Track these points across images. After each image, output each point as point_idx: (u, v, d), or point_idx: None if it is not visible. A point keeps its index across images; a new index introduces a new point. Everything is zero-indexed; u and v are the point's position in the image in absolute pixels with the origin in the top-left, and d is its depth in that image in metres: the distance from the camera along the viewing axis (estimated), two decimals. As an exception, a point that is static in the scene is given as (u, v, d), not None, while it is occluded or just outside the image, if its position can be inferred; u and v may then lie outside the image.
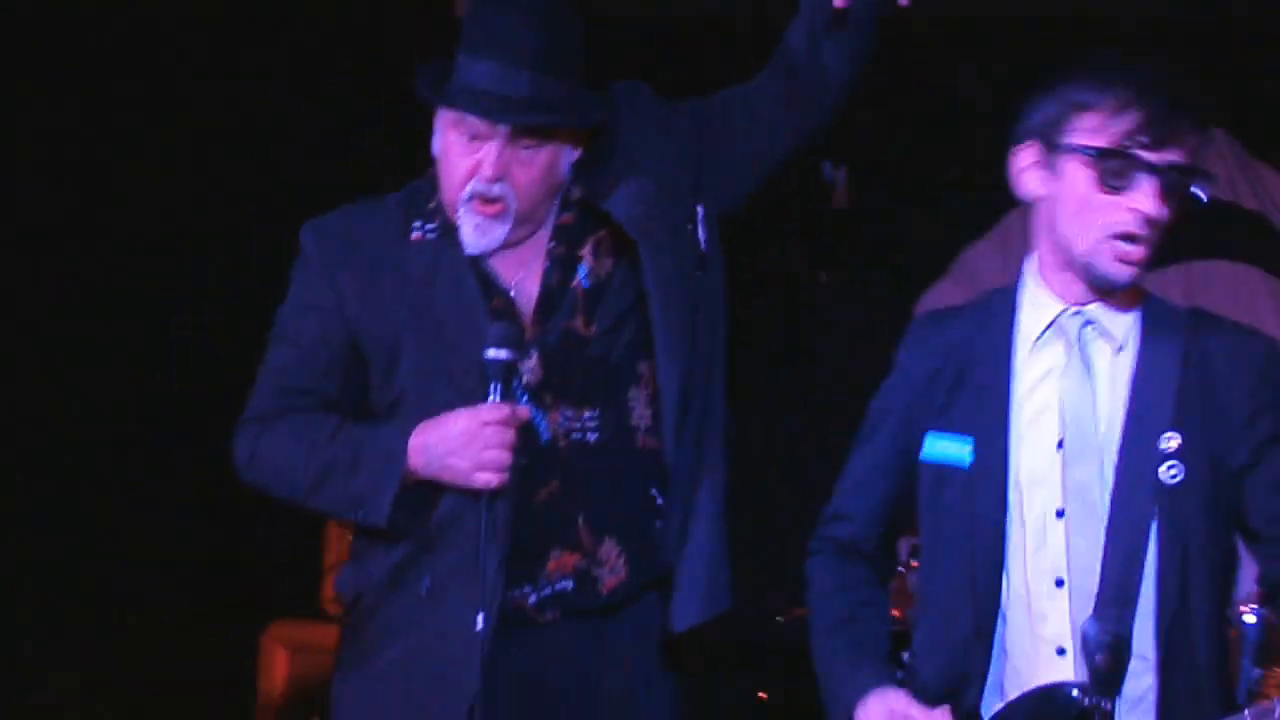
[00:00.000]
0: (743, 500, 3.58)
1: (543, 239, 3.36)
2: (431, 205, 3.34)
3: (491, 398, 3.20)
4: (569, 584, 3.32)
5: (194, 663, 5.48)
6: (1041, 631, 2.83)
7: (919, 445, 2.97)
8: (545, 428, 3.30)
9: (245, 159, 5.77)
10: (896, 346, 3.39)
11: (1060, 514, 2.84)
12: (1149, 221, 2.76)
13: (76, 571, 5.36)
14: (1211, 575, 2.84)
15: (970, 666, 2.88)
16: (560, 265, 3.37)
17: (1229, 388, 2.85)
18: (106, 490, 5.46)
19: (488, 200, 3.25)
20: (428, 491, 3.29)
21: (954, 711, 2.86)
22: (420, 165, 3.57)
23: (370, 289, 3.34)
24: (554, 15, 3.31)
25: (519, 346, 3.28)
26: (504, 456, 3.18)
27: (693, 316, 3.43)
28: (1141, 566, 2.80)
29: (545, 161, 3.29)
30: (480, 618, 3.18)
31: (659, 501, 3.40)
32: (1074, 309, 2.87)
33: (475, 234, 3.27)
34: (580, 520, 3.31)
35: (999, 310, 2.96)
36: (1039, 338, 2.88)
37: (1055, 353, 2.88)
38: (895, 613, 4.63)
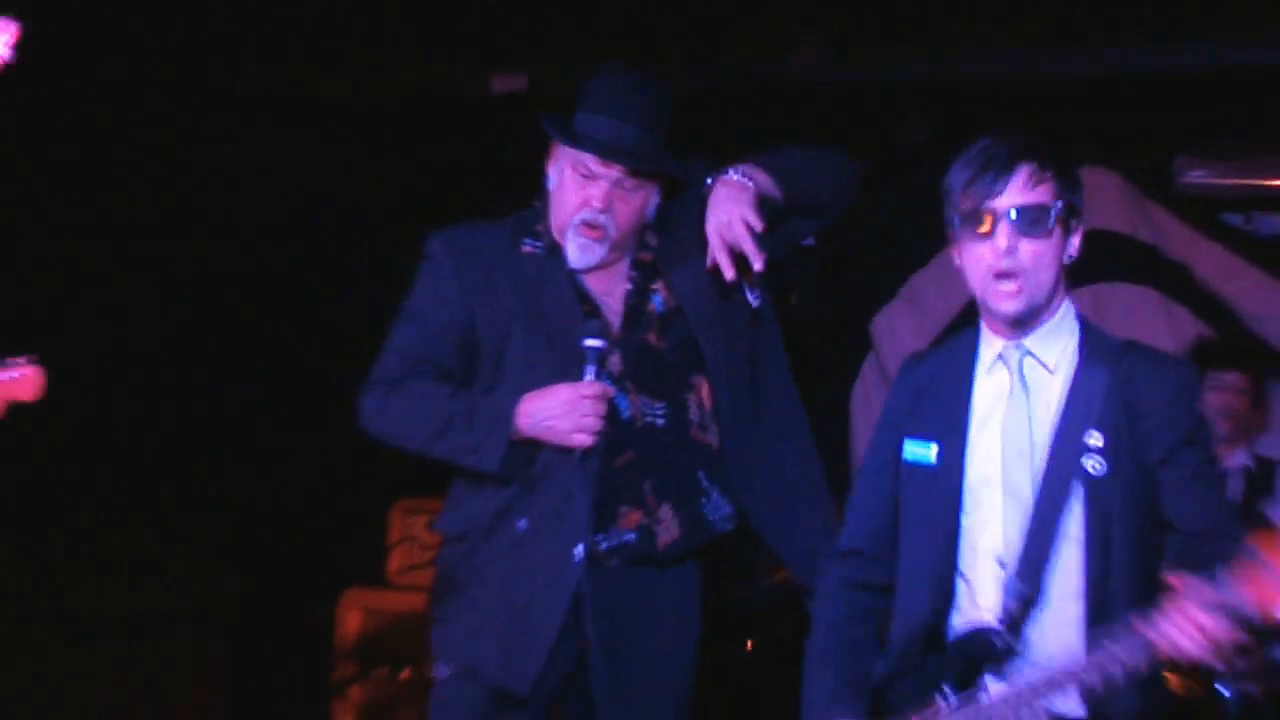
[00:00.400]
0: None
1: (624, 267, 3.62)
2: (539, 228, 3.61)
3: (587, 376, 3.48)
4: (633, 536, 3.55)
5: (289, 622, 5.99)
6: (982, 603, 2.94)
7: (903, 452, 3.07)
8: (626, 408, 3.54)
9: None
10: (853, 352, 3.80)
11: (1001, 508, 2.93)
12: (1008, 253, 2.88)
13: (216, 541, 5.94)
14: (1133, 550, 2.91)
15: (931, 634, 2.99)
16: (639, 291, 3.61)
17: (1150, 402, 2.91)
18: (241, 479, 5.96)
19: (593, 226, 3.54)
20: (529, 448, 3.53)
21: (914, 659, 2.96)
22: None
23: (488, 287, 3.60)
24: (654, 86, 3.60)
25: (609, 339, 3.52)
26: (597, 423, 3.45)
27: (743, 363, 3.67)
28: (1055, 541, 2.88)
29: (639, 202, 3.56)
30: (579, 549, 3.45)
31: (704, 484, 3.59)
32: (1015, 343, 2.98)
33: (579, 252, 3.57)
34: (646, 486, 3.55)
35: (965, 344, 3.06)
36: (990, 366, 3.00)
37: (1002, 378, 2.98)
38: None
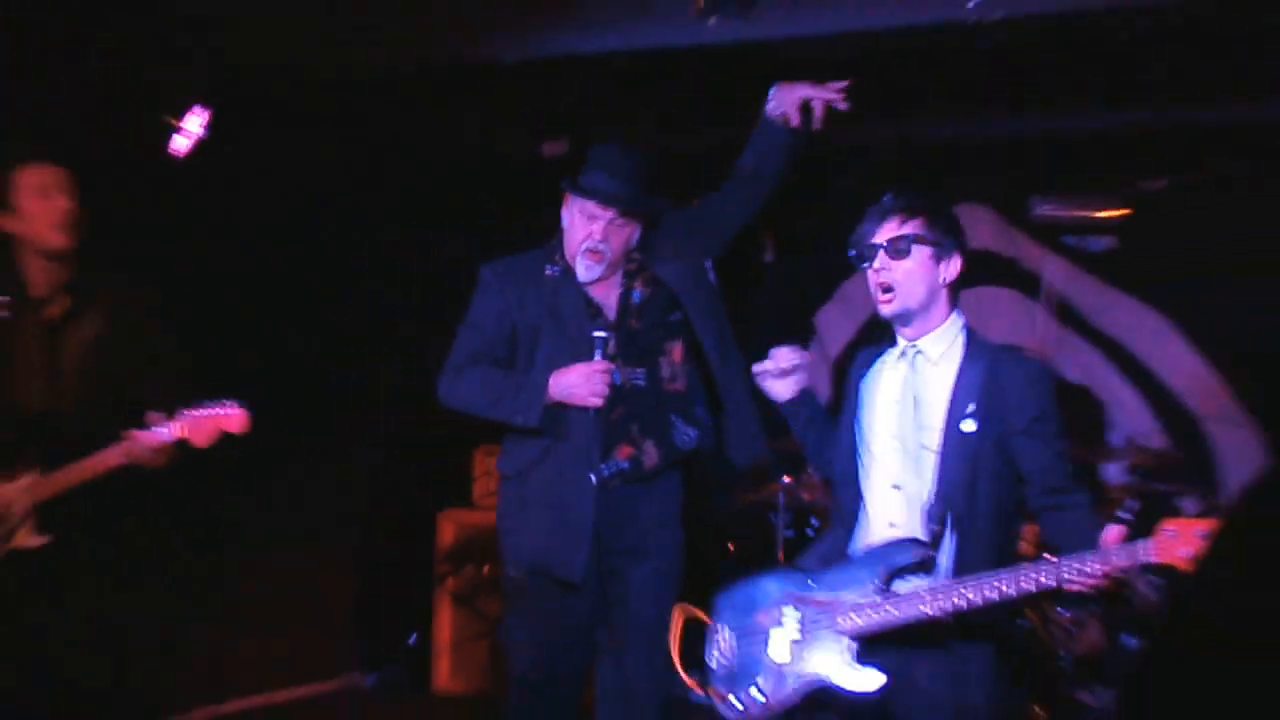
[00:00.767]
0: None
1: (617, 278, 3.96)
2: (558, 256, 3.94)
3: (596, 357, 3.84)
4: (626, 464, 3.92)
5: (404, 533, 6.50)
6: (881, 513, 3.27)
7: None
8: (618, 377, 3.88)
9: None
10: (803, 339, 4.41)
11: (896, 451, 3.27)
12: (878, 273, 3.20)
13: (332, 479, 6.06)
14: (993, 488, 3.15)
15: (848, 533, 3.32)
16: (626, 292, 3.94)
17: (1011, 387, 3.17)
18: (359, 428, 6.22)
19: (594, 252, 3.86)
20: (558, 410, 3.87)
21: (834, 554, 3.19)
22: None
23: (525, 301, 3.90)
24: (639, 154, 3.91)
25: (609, 329, 3.87)
26: (604, 389, 3.81)
27: (714, 319, 3.96)
28: (952, 483, 3.15)
29: (628, 234, 3.90)
30: (593, 476, 3.86)
31: (673, 419, 3.93)
32: (911, 343, 3.27)
33: (586, 271, 3.90)
34: (634, 429, 3.92)
35: (888, 342, 3.34)
36: (897, 358, 3.31)
37: (904, 367, 3.29)
38: (806, 496, 5.67)
